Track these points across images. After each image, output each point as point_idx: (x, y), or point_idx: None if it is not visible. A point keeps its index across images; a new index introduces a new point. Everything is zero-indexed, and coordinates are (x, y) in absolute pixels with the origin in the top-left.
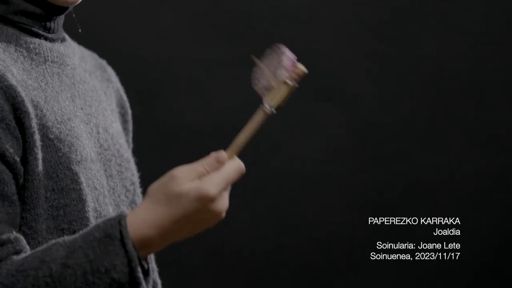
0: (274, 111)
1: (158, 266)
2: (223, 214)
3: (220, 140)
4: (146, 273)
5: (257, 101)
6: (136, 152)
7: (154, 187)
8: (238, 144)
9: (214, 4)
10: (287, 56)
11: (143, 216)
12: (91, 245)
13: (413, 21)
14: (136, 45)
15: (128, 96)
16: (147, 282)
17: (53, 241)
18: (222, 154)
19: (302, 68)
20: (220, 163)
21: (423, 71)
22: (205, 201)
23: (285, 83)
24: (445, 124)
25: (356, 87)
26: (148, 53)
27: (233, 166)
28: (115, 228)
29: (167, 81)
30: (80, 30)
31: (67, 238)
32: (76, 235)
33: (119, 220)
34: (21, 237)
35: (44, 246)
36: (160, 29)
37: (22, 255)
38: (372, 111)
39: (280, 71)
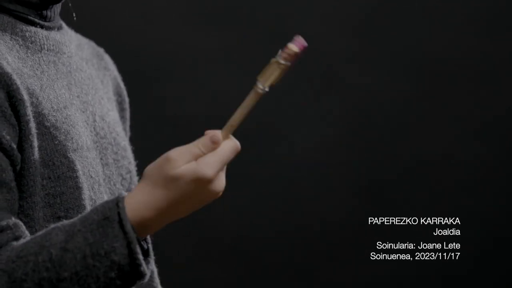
0: (267, 90)
1: (154, 254)
2: (220, 193)
3: (218, 128)
4: (146, 253)
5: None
6: (133, 140)
7: (150, 169)
8: (232, 124)
9: None
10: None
11: (141, 198)
12: (90, 228)
13: (409, 8)
14: (134, 33)
15: (126, 84)
16: (147, 262)
17: (52, 225)
18: (217, 134)
19: (293, 47)
20: (215, 144)
21: (418, 56)
22: (202, 183)
23: (276, 62)
24: (447, 124)
25: (349, 73)
26: (145, 41)
27: (229, 146)
28: (113, 211)
29: (165, 69)
30: (75, 18)
31: (66, 222)
32: (75, 219)
33: (117, 203)
34: (20, 223)
35: (44, 231)
36: (159, 17)
37: (22, 241)
38: (373, 109)
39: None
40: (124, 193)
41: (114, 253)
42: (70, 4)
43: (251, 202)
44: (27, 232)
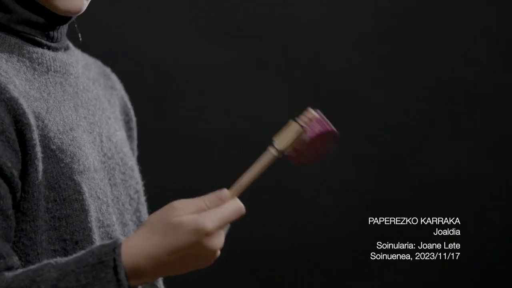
0: (281, 154)
1: None
2: (218, 253)
3: (226, 148)
4: None
5: (267, 108)
6: (141, 159)
7: (153, 215)
8: (241, 185)
9: (223, 9)
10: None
11: (138, 244)
12: (83, 270)
13: (421, 24)
14: (144, 51)
15: (135, 103)
16: None
17: (45, 261)
18: (225, 192)
19: (313, 112)
20: (221, 201)
21: (431, 74)
22: (201, 235)
23: (296, 124)
24: (447, 126)
25: (362, 91)
26: (155, 59)
27: (234, 206)
28: (109, 256)
29: (172, 88)
30: (80, 39)
31: (59, 259)
32: (69, 258)
33: (114, 248)
34: (13, 253)
35: (36, 265)
36: (169, 34)
37: (14, 272)
38: (374, 112)
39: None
40: (122, 238)
41: None
42: (76, 25)
43: (251, 202)
44: (19, 263)
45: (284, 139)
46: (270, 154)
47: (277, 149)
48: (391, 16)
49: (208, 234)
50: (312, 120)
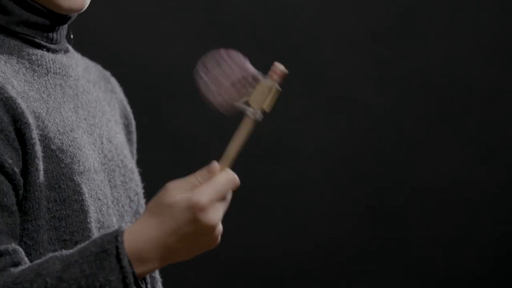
0: (261, 118)
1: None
2: (219, 228)
3: (224, 150)
4: None
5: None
6: (140, 162)
7: (150, 201)
8: (229, 155)
9: (219, 12)
10: (238, 58)
11: (139, 230)
12: (87, 260)
13: (417, 28)
14: (142, 54)
15: (134, 106)
16: None
17: (51, 254)
18: (214, 165)
19: (283, 69)
20: (212, 174)
21: (426, 79)
22: (195, 210)
23: (268, 86)
24: (447, 130)
25: (358, 94)
26: (154, 62)
27: (225, 177)
28: (111, 244)
29: (171, 92)
30: (71, 40)
31: (64, 252)
32: (74, 249)
33: (116, 236)
34: (20, 249)
35: (42, 259)
36: (165, 37)
37: (20, 267)
38: (373, 117)
39: (253, 76)
40: (124, 226)
41: (109, 286)
42: (71, 35)
43: (254, 208)
44: (26, 258)
45: (258, 100)
46: (249, 119)
47: (254, 112)
48: (388, 19)
49: (203, 209)
50: (281, 75)
